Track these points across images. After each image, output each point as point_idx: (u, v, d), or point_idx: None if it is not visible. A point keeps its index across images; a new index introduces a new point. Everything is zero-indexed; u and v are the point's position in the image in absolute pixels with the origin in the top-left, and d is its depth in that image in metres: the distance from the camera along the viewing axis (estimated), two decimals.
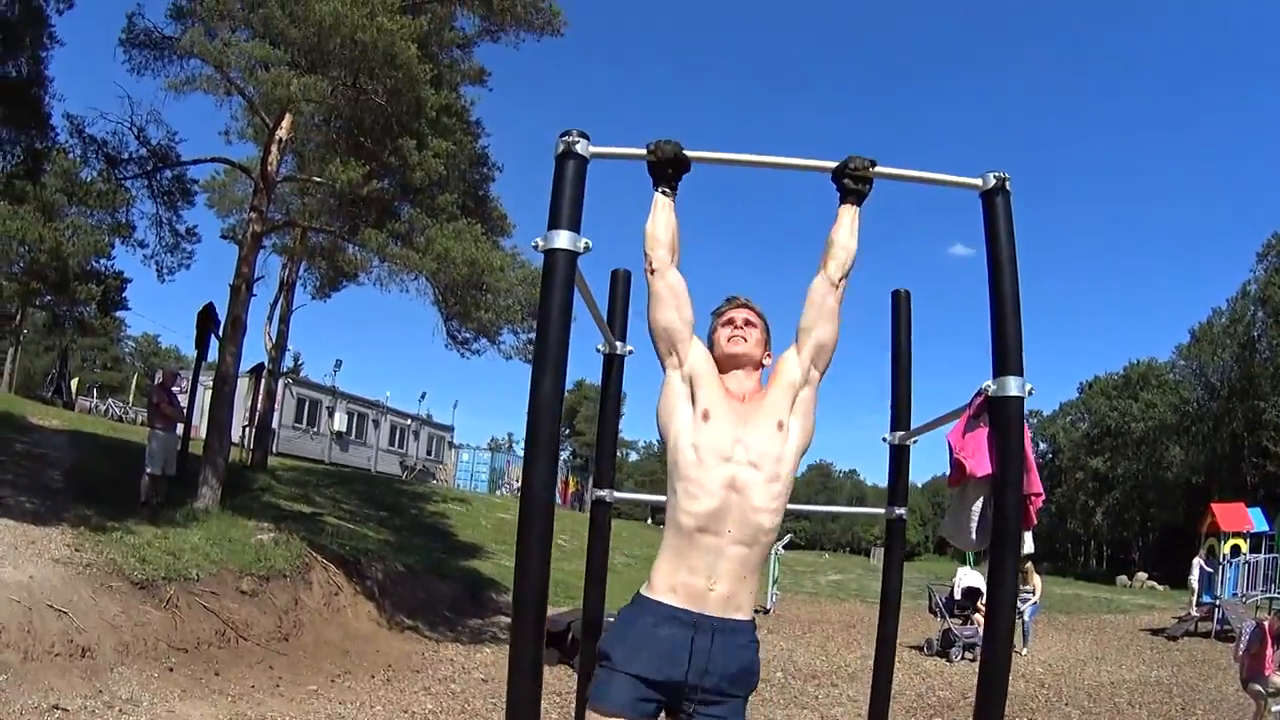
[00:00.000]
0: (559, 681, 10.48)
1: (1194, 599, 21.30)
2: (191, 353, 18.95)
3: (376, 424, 43.02)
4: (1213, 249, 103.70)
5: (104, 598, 9.08)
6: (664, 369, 3.45)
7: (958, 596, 17.51)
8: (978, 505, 3.52)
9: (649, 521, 52.17)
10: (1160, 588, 40.97)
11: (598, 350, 4.40)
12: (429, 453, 48.13)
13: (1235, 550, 20.79)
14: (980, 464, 3.42)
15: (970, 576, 17.80)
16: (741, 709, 3.31)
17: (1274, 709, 9.17)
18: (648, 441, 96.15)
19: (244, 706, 8.32)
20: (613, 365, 4.42)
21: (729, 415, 3.31)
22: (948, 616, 16.94)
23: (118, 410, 40.46)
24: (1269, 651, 9.51)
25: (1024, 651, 16.62)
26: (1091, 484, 65.32)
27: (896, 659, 4.92)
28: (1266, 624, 9.78)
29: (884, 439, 4.45)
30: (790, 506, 3.46)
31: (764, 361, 3.54)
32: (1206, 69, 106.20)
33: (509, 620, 14.04)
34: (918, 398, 4.53)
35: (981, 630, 15.91)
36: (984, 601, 16.34)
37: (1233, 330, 52.85)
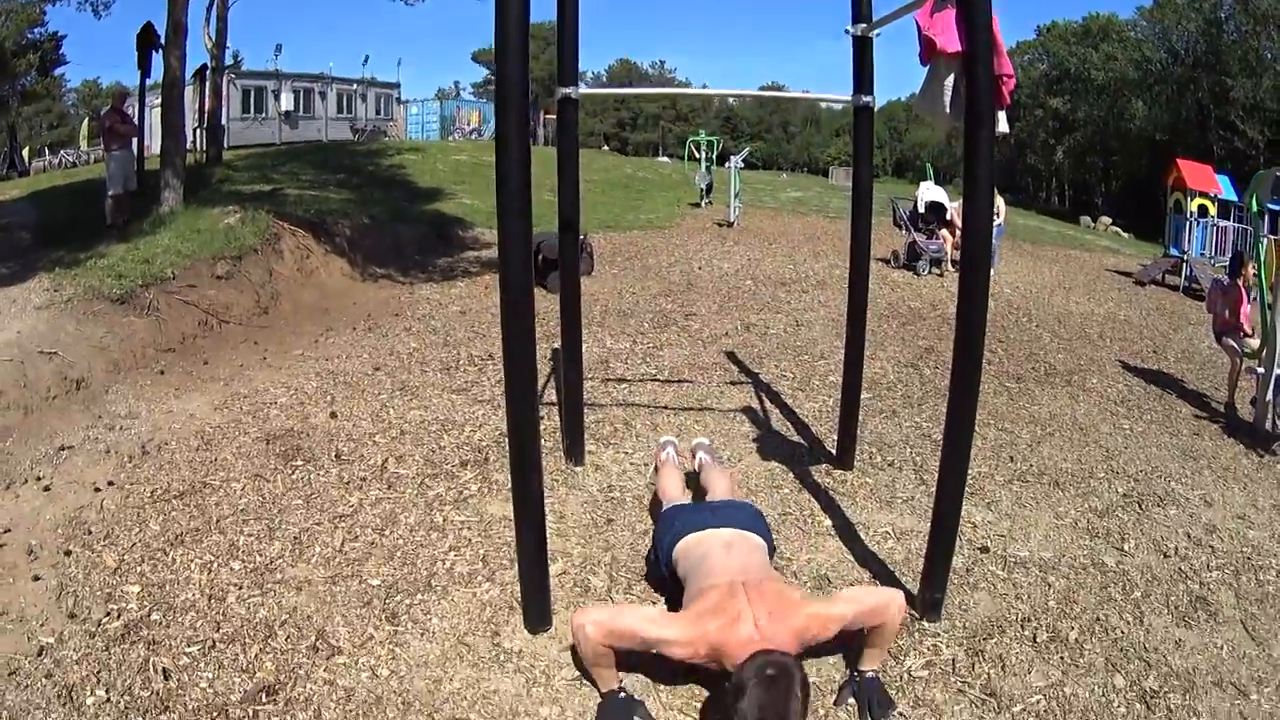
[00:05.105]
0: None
1: (1167, 246, 20.85)
2: (135, 83, 18.39)
3: (323, 95, 42.93)
4: None
5: (88, 324, 9.08)
6: None
7: (921, 210, 17.30)
8: (949, 80, 3.51)
9: (603, 149, 53.83)
10: (1125, 235, 40.90)
11: None
12: (378, 113, 48.05)
13: (1203, 210, 20.44)
14: (950, 40, 3.40)
15: (933, 191, 17.51)
16: None
17: (1250, 375, 8.95)
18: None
19: (237, 386, 8.42)
20: None
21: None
22: (912, 230, 16.89)
23: (70, 159, 39.34)
24: (1244, 307, 9.33)
25: (992, 273, 16.43)
26: (1052, 123, 63.95)
27: None
28: (1240, 280, 9.52)
29: (846, 30, 4.28)
30: (751, 93, 3.34)
31: None
32: None
33: (477, 255, 14.41)
34: None
35: (947, 245, 16.04)
36: (949, 216, 16.37)
37: (1198, 5, 50.99)
